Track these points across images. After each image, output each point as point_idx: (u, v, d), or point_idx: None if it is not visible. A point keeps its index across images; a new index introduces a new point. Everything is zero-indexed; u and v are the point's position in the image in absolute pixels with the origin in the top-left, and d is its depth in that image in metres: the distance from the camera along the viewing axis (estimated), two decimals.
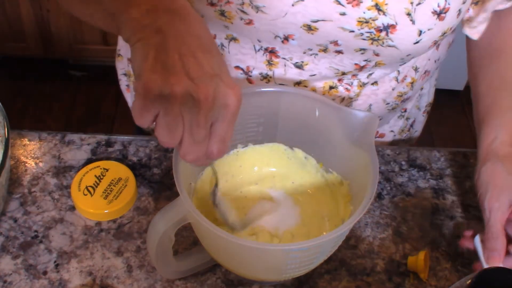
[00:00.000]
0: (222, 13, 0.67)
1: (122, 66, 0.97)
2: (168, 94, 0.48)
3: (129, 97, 0.98)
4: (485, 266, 0.65)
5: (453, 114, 2.41)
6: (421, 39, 0.67)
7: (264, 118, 0.71)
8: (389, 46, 0.68)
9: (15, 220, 0.75)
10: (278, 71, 0.74)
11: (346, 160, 0.63)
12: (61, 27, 2.20)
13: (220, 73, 0.51)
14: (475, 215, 0.80)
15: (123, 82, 0.98)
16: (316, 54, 0.71)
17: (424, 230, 0.78)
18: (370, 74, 0.77)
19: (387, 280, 0.72)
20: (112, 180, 0.77)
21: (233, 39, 0.71)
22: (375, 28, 0.66)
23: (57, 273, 0.70)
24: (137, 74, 0.51)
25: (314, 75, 0.74)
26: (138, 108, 0.50)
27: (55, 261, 0.71)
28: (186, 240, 0.73)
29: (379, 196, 0.81)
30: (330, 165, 0.73)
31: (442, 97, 2.44)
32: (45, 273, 0.70)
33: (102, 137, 0.85)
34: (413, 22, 0.65)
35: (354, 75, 0.76)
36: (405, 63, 0.75)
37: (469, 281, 0.57)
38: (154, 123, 0.51)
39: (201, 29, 0.53)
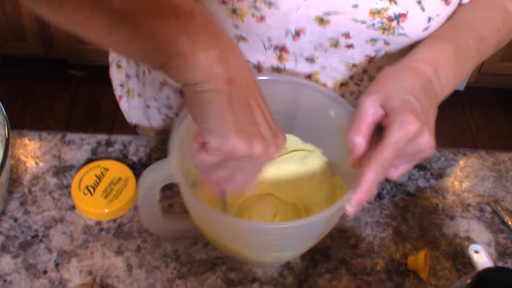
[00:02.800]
0: (234, 11, 0.67)
1: (120, 77, 0.98)
2: (250, 155, 0.52)
3: (123, 104, 0.99)
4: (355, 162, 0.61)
5: (453, 114, 2.41)
6: (429, 26, 0.68)
7: (283, 107, 0.71)
8: (400, 34, 0.68)
9: (15, 220, 0.75)
10: (289, 64, 0.75)
11: (350, 167, 0.63)
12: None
13: (273, 119, 0.56)
14: (475, 215, 0.80)
15: (118, 92, 0.99)
16: (327, 50, 0.72)
17: (424, 230, 0.78)
18: (380, 69, 0.77)
19: (387, 280, 0.72)
20: (112, 179, 0.77)
21: (242, 39, 0.72)
22: (386, 18, 0.67)
23: (57, 273, 0.70)
24: (217, 133, 0.52)
25: (325, 67, 0.75)
26: (209, 163, 0.54)
27: (55, 261, 0.71)
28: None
29: (379, 196, 0.81)
30: (336, 168, 0.73)
31: None
32: (45, 272, 0.70)
33: (102, 137, 0.85)
34: (423, 9, 0.66)
35: (365, 71, 0.76)
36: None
37: (469, 280, 0.57)
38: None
39: (250, 67, 0.57)
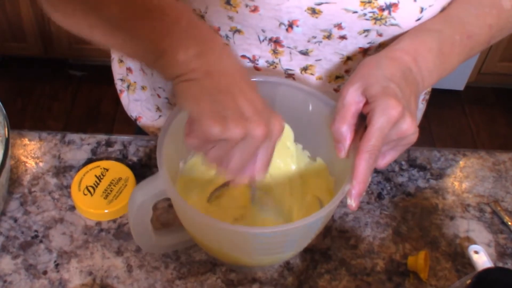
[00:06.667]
0: (228, 1, 0.67)
1: (121, 71, 0.99)
2: (227, 138, 0.54)
3: (124, 99, 1.00)
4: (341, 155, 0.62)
5: (453, 114, 2.41)
6: (422, 16, 0.68)
7: None
8: (392, 25, 0.69)
9: (15, 220, 0.75)
10: (284, 58, 0.75)
11: (335, 157, 0.63)
12: (61, 27, 2.19)
13: (265, 104, 0.56)
14: (475, 215, 0.80)
15: (118, 86, 1.00)
16: (320, 42, 0.72)
17: (424, 230, 0.78)
18: None
19: (387, 280, 0.72)
20: (112, 180, 0.77)
21: (237, 31, 0.72)
22: (377, 8, 0.67)
23: (57, 273, 0.70)
24: (194, 117, 0.55)
25: (319, 60, 0.75)
26: (194, 146, 0.56)
27: (55, 261, 0.71)
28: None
29: (379, 196, 0.81)
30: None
31: (442, 97, 2.45)
32: (45, 273, 0.70)
33: (102, 137, 0.85)
34: None
35: None
36: None
37: (469, 281, 0.57)
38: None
39: (239, 62, 0.58)
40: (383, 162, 0.63)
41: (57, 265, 0.71)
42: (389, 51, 0.65)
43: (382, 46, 0.73)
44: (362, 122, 0.61)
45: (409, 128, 0.59)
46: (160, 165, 0.60)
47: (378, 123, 0.58)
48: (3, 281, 0.69)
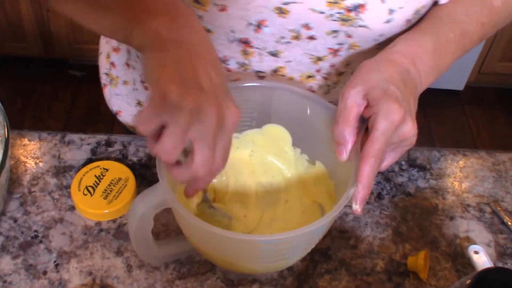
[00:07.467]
0: (197, 0, 0.67)
1: (107, 66, 0.99)
2: (182, 106, 0.50)
3: (107, 92, 1.01)
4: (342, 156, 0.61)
5: (453, 114, 2.41)
6: (392, 18, 0.68)
7: (257, 113, 0.72)
8: (360, 26, 0.68)
9: (15, 220, 0.75)
10: (254, 59, 0.75)
11: (334, 160, 0.63)
12: (61, 27, 2.20)
13: (225, 90, 0.55)
14: (475, 215, 0.80)
15: (103, 80, 1.01)
16: (290, 42, 0.72)
17: (424, 230, 0.78)
18: (348, 64, 0.77)
19: (387, 280, 0.72)
20: (112, 180, 0.77)
21: (208, 31, 0.72)
22: (344, 8, 0.67)
23: (57, 273, 0.70)
24: (153, 82, 0.53)
25: (290, 61, 0.75)
26: (149, 113, 0.51)
27: (55, 261, 0.71)
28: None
29: (379, 196, 0.81)
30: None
31: (442, 97, 2.45)
32: (45, 273, 0.70)
33: (102, 137, 0.85)
34: (382, 1, 0.66)
35: (332, 65, 0.76)
36: (380, 45, 0.75)
37: (469, 281, 0.57)
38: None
39: (212, 46, 0.57)
40: (384, 164, 0.63)
41: (57, 265, 0.71)
42: (387, 54, 0.65)
43: (353, 48, 0.73)
44: (361, 125, 0.61)
45: (410, 130, 0.60)
46: (160, 176, 0.59)
47: (382, 128, 0.58)
48: (3, 281, 0.69)
